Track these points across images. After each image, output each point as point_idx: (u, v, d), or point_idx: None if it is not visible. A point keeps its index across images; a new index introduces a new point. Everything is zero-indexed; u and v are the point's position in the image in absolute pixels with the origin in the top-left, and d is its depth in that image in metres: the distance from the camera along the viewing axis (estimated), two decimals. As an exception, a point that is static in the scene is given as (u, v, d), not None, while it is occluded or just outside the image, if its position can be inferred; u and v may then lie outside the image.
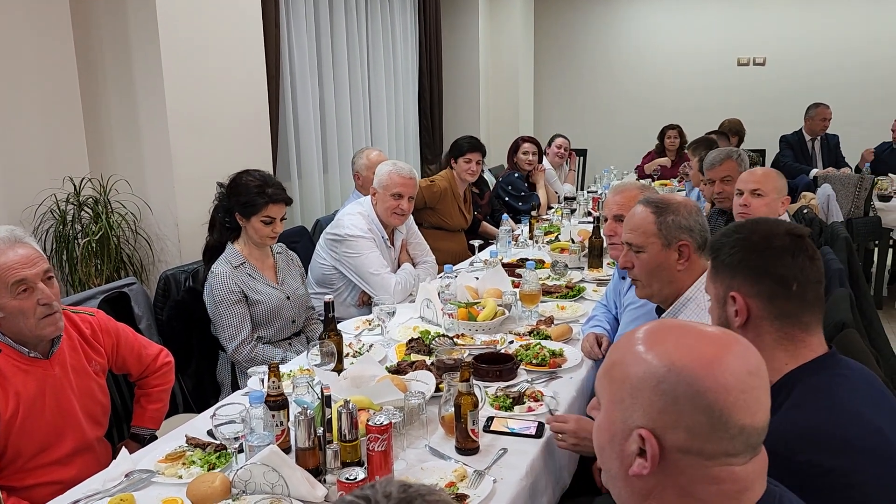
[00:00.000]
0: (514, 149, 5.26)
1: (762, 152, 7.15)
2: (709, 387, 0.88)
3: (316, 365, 2.13)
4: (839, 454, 1.17)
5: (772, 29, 7.65)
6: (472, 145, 4.37)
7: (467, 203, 4.50)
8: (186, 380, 2.79)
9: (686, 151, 5.15)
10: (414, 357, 2.35)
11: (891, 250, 5.79)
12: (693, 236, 1.95)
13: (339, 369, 2.19)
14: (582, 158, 8.07)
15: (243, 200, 2.66)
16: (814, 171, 6.06)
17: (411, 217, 3.45)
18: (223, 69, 3.69)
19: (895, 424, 1.25)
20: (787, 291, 1.34)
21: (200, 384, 2.84)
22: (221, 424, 1.74)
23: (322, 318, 2.44)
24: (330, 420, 1.72)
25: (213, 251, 2.76)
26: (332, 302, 2.28)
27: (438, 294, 2.82)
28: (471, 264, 3.69)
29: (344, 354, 2.42)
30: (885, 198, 5.45)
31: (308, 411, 1.68)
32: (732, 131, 6.37)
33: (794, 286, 1.34)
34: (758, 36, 7.71)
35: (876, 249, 5.51)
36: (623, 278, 2.54)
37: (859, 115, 6.89)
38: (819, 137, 6.40)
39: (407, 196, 3.22)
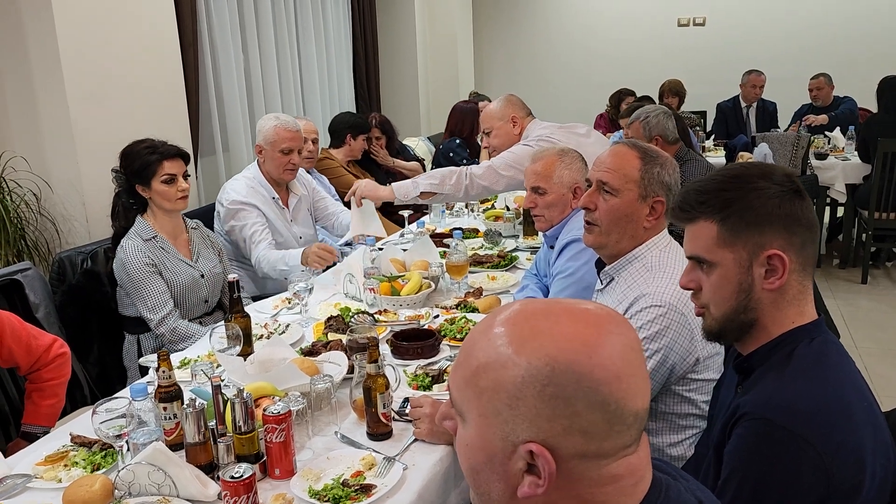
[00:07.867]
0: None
1: (703, 114, 7.12)
2: (600, 378, 0.75)
3: (220, 350, 1.97)
4: (849, 432, 1.10)
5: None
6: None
7: None
8: (90, 368, 2.62)
9: (620, 122, 5.03)
10: (331, 336, 2.21)
11: (828, 208, 5.85)
12: (669, 196, 1.81)
13: (245, 353, 2.04)
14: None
15: (137, 167, 2.49)
16: None
17: (320, 182, 3.28)
18: (128, 34, 3.41)
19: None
20: (814, 235, 1.23)
21: (105, 372, 2.67)
22: (104, 421, 1.58)
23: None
24: (223, 411, 1.58)
25: (119, 237, 2.56)
26: (238, 281, 2.12)
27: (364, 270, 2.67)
28: (401, 236, 3.54)
29: (257, 337, 2.27)
30: (821, 156, 5.48)
31: (197, 402, 1.53)
32: (672, 92, 6.30)
33: (813, 228, 1.23)
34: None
35: (813, 208, 5.55)
36: (551, 247, 2.42)
37: (797, 73, 6.89)
38: (755, 104, 6.39)
39: (297, 149, 3.09)
